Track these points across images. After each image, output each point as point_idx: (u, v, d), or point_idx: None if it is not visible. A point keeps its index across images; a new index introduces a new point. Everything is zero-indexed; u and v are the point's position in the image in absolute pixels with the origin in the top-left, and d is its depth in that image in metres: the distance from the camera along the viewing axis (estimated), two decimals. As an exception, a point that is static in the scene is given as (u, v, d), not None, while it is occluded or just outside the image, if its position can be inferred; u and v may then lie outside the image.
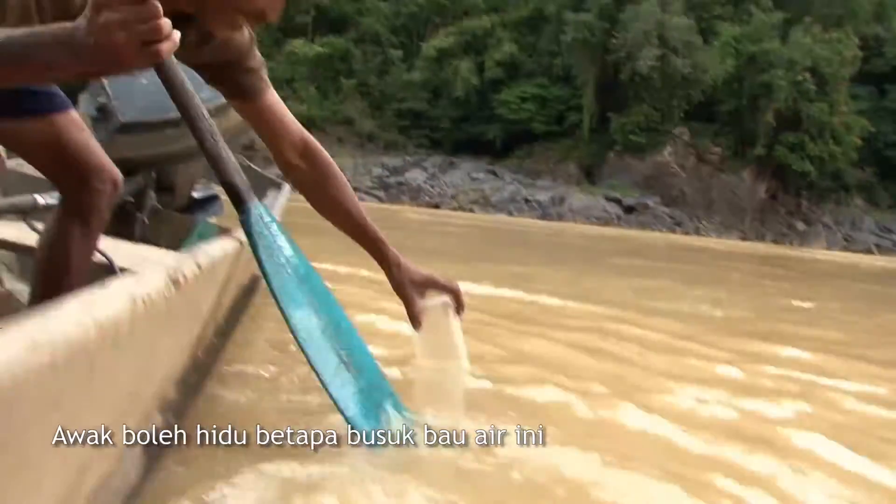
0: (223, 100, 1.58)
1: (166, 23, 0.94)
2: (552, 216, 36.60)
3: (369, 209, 1.79)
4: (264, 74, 1.52)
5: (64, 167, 1.54)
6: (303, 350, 1.33)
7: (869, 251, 43.28)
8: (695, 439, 1.67)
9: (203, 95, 1.39)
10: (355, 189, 2.56)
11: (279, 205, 3.25)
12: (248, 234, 1.43)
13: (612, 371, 2.45)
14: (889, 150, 48.17)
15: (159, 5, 0.94)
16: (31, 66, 0.95)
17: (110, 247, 1.97)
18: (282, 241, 1.45)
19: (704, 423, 1.87)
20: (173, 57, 1.20)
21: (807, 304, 6.47)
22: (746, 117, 42.41)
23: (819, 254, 30.88)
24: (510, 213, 36.85)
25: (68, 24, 0.94)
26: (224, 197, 1.84)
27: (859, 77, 47.56)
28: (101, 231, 1.62)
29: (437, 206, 37.19)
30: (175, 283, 0.95)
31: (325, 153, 1.63)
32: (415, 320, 1.67)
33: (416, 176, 39.75)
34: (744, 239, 42.51)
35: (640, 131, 40.45)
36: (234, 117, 2.18)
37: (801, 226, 46.05)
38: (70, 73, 0.96)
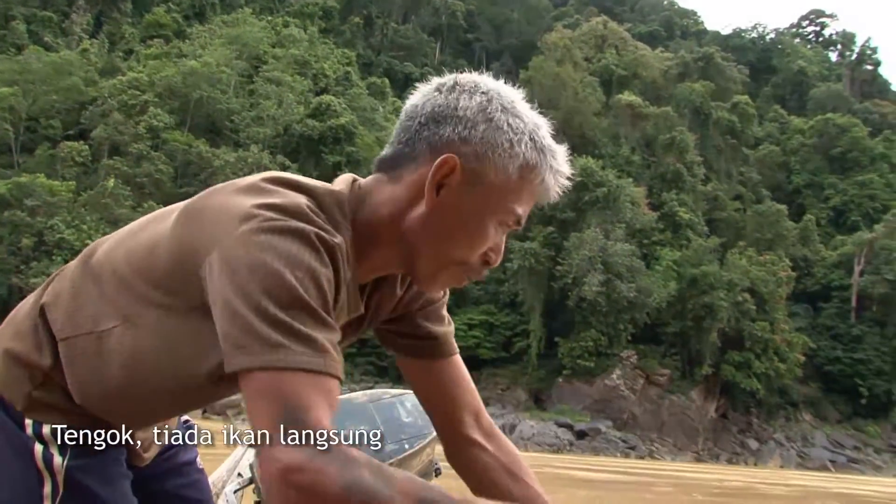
0: (408, 451, 1.52)
1: None
2: (503, 445, 35.66)
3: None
4: (452, 329, 1.30)
5: None
6: None
7: (825, 468, 42.83)
8: None
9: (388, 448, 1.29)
10: None
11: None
12: None
13: None
14: (830, 366, 49.21)
15: None
16: None
17: None
18: None
19: None
20: None
21: None
22: (692, 338, 43.12)
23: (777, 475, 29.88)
24: (460, 443, 35.84)
25: None
26: None
27: (794, 296, 49.39)
28: None
29: (383, 438, 35.83)
30: None
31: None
32: None
33: (362, 406, 38.61)
34: (699, 460, 41.77)
35: (589, 355, 40.58)
36: (415, 466, 2.12)
37: (753, 444, 45.76)
38: None
